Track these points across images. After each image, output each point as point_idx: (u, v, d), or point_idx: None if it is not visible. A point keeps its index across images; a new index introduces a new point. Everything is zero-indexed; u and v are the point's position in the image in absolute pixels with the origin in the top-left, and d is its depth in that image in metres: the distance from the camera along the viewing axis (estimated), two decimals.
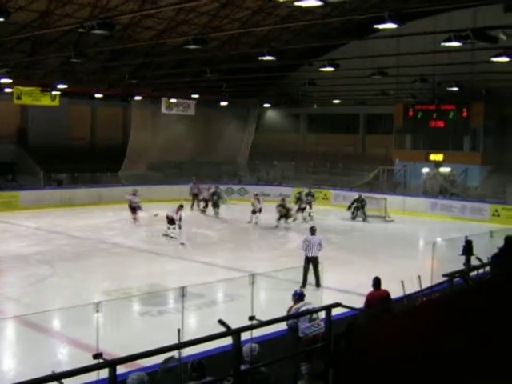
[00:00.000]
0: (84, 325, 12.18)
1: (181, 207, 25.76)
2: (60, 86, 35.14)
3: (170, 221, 25.43)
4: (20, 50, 30.28)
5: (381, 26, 17.00)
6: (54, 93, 36.89)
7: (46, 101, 37.26)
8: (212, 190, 34.32)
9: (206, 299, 15.83)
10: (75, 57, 26.10)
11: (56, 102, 37.91)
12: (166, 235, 25.57)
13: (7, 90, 35.37)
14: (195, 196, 36.08)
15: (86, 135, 45.83)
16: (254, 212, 30.68)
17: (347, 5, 26.52)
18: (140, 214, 29.78)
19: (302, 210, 32.23)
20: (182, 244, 24.33)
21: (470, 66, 30.29)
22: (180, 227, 25.25)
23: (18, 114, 41.79)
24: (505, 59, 22.11)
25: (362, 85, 34.69)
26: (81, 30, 21.25)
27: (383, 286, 12.04)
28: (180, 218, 25.25)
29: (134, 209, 30.12)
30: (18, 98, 35.84)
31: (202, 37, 21.54)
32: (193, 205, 35.74)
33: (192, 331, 10.39)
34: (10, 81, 32.06)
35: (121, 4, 26.72)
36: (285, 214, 29.73)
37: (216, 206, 33.67)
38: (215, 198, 33.87)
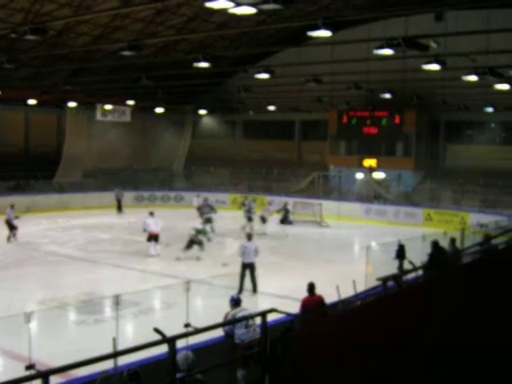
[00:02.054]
0: (17, 335, 12.02)
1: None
2: None
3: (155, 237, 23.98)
4: None
5: (315, 34, 17.20)
6: None
7: None
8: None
9: (142, 307, 15.76)
10: (8, 62, 25.69)
11: None
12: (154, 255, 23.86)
13: None
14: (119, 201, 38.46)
15: (19, 142, 44.99)
16: (263, 220, 30.53)
17: (282, 12, 26.78)
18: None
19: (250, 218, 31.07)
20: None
21: (403, 74, 30.90)
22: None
23: None
24: (435, 67, 22.64)
25: (297, 92, 34.99)
26: (13, 35, 20.97)
27: (319, 291, 12.18)
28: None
29: (12, 226, 27.03)
30: None
31: (137, 43, 21.49)
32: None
33: (128, 339, 10.35)
34: None
35: (55, 9, 26.35)
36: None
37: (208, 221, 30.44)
38: (207, 209, 31.22)
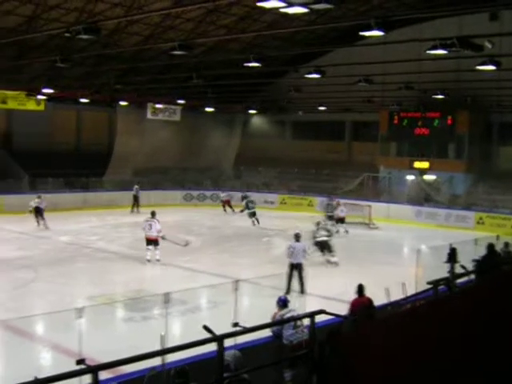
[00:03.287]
0: (67, 330, 12.15)
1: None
2: (46, 91, 35.03)
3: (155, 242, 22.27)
4: (6, 55, 30.15)
5: (367, 34, 17.06)
6: (39, 97, 36.78)
7: (31, 105, 37.16)
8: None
9: (190, 305, 15.79)
10: (61, 62, 26.05)
11: (41, 107, 37.82)
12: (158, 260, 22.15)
13: None
14: None
15: (71, 140, 45.65)
16: (338, 221, 30.46)
17: (333, 12, 26.65)
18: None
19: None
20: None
21: (456, 74, 30.47)
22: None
23: (3, 118, 41.60)
24: (490, 67, 22.23)
25: (347, 92, 34.77)
26: (67, 34, 21.20)
27: (367, 293, 12.05)
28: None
29: (40, 212, 30.01)
30: (4, 102, 35.74)
31: (188, 43, 21.55)
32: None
33: (175, 337, 10.37)
34: None
35: (107, 9, 26.67)
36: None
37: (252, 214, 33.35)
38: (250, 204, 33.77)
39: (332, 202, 33.28)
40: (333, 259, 22.36)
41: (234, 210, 38.43)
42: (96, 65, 33.08)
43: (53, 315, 13.48)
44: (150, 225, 22.02)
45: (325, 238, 22.51)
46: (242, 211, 34.79)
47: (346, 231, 30.15)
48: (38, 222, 30.12)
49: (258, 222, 32.72)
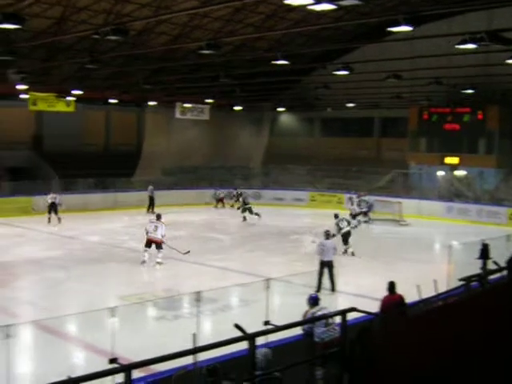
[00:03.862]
0: (99, 329, 12.26)
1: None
2: (75, 92, 35.35)
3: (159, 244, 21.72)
4: (35, 57, 30.45)
5: (395, 29, 16.99)
6: (68, 98, 37.09)
7: (60, 107, 37.46)
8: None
9: (221, 304, 15.81)
10: (90, 63, 26.27)
11: (71, 108, 38.11)
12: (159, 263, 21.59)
13: (23, 96, 35.58)
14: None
15: (100, 140, 46.03)
16: (354, 216, 30.58)
17: (361, 8, 26.53)
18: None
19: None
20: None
21: (486, 69, 30.15)
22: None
23: (34, 120, 42.06)
24: None
25: (376, 88, 34.60)
26: (96, 36, 21.40)
27: (398, 290, 11.97)
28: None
29: (55, 208, 31.28)
30: (34, 104, 36.08)
31: (216, 42, 21.60)
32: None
33: (207, 336, 10.40)
34: (26, 87, 32.26)
35: (135, 10, 26.80)
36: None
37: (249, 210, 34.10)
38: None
39: (360, 198, 33.79)
40: (350, 250, 23.24)
41: (223, 207, 40.30)
42: (124, 65, 33.26)
43: (85, 314, 13.59)
44: (156, 227, 21.57)
45: (347, 229, 23.46)
46: (239, 208, 35.22)
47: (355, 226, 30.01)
48: (49, 219, 31.01)
49: (257, 215, 33.57)
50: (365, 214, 32.80)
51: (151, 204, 36.85)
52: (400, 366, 6.52)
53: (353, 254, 23.12)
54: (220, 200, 40.68)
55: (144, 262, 21.36)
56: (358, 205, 33.07)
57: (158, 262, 21.31)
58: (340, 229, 23.27)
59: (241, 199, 35.64)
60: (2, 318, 14.24)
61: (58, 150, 40.86)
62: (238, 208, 35.20)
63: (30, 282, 19.61)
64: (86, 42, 28.85)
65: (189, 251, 22.38)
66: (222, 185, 42.47)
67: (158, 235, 21.43)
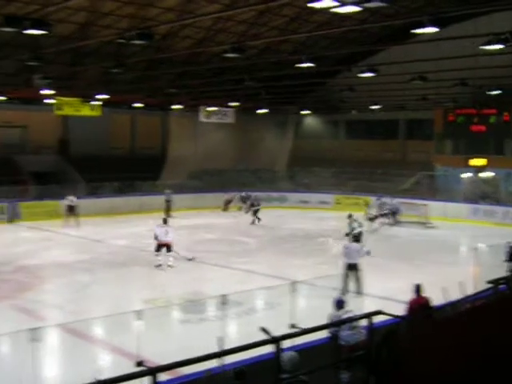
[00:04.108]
0: (125, 332, 12.31)
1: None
2: (100, 96, 35.59)
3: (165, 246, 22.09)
4: (61, 62, 30.69)
5: (420, 31, 16.89)
6: (94, 103, 37.35)
7: (86, 111, 37.71)
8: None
9: (246, 307, 15.81)
10: (115, 67, 26.43)
11: (96, 112, 38.35)
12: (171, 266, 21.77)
13: (49, 101, 35.90)
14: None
15: (125, 144, 46.29)
16: (371, 219, 30.55)
17: (386, 10, 26.41)
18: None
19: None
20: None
21: (511, 70, 29.89)
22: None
23: (60, 124, 42.39)
24: None
25: (401, 90, 34.46)
26: (121, 40, 21.50)
27: (425, 293, 11.91)
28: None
29: (73, 210, 32.12)
30: (60, 108, 36.35)
31: (240, 45, 21.63)
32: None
33: (232, 339, 10.41)
34: (52, 92, 32.52)
35: (159, 14, 26.93)
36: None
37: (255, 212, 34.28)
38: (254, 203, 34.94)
39: (380, 201, 33.80)
40: (364, 249, 22.87)
41: (226, 210, 40.13)
42: (149, 69, 33.43)
43: (111, 317, 13.66)
44: (167, 230, 22.02)
45: (359, 230, 23.63)
46: (247, 212, 35.72)
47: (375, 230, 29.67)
48: (67, 221, 31.72)
49: (258, 220, 33.86)
50: (385, 216, 32.67)
51: (168, 208, 37.00)
52: (427, 370, 6.48)
53: (368, 253, 23.03)
54: (228, 203, 40.55)
55: (160, 265, 21.59)
56: (380, 207, 32.98)
57: (169, 265, 21.55)
58: (352, 229, 23.69)
59: (248, 202, 36.04)
60: (30, 321, 14.41)
61: (83, 154, 41.18)
62: (247, 212, 35.64)
63: (56, 286, 19.75)
64: (110, 47, 29.02)
65: (194, 258, 22.84)
66: (247, 188, 42.54)
67: (169, 238, 21.90)
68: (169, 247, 21.88)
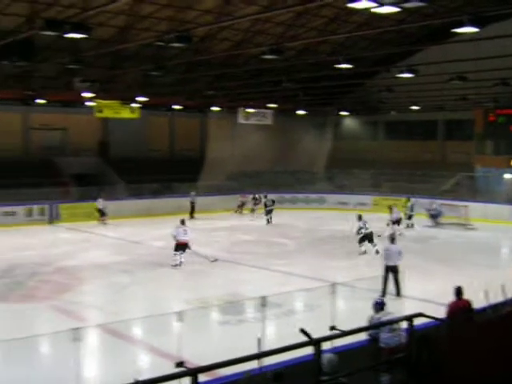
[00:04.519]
0: (165, 333, 12.39)
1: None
2: (139, 99, 35.89)
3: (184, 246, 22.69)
4: (101, 65, 31.03)
5: (459, 30, 16.72)
6: (133, 105, 37.67)
7: (125, 113, 38.08)
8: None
9: (285, 308, 15.81)
10: (154, 70, 26.62)
11: (135, 115, 38.70)
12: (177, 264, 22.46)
13: (89, 103, 36.30)
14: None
15: (164, 146, 46.57)
16: (394, 222, 30.10)
17: (424, 9, 26.20)
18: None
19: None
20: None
21: None
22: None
23: (100, 126, 42.84)
24: None
25: (440, 90, 34.15)
26: (160, 43, 21.66)
27: (465, 295, 11.77)
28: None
29: (103, 213, 33.80)
30: (100, 111, 36.78)
31: (279, 47, 21.64)
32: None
33: (271, 340, 10.40)
34: (92, 95, 32.87)
35: (198, 16, 27.05)
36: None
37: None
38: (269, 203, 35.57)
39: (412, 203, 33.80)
40: (376, 247, 23.83)
41: (241, 212, 39.88)
42: (187, 71, 33.59)
43: (150, 318, 13.76)
44: (185, 230, 22.80)
45: (365, 231, 24.33)
46: (253, 211, 37.56)
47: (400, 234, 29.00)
48: (99, 220, 33.75)
49: (270, 220, 34.71)
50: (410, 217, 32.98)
51: (192, 209, 37.18)
52: (467, 373, 6.41)
53: (377, 252, 23.26)
54: (242, 205, 40.18)
55: (179, 264, 22.27)
56: (411, 210, 32.85)
57: (181, 262, 22.35)
58: (359, 229, 24.39)
59: (262, 203, 36.43)
60: (70, 322, 14.56)
61: (123, 156, 41.58)
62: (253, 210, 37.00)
63: (95, 287, 19.95)
64: (149, 50, 29.21)
65: (217, 259, 23.02)
66: (286, 189, 42.52)
67: (187, 237, 22.63)
68: (186, 246, 22.53)
